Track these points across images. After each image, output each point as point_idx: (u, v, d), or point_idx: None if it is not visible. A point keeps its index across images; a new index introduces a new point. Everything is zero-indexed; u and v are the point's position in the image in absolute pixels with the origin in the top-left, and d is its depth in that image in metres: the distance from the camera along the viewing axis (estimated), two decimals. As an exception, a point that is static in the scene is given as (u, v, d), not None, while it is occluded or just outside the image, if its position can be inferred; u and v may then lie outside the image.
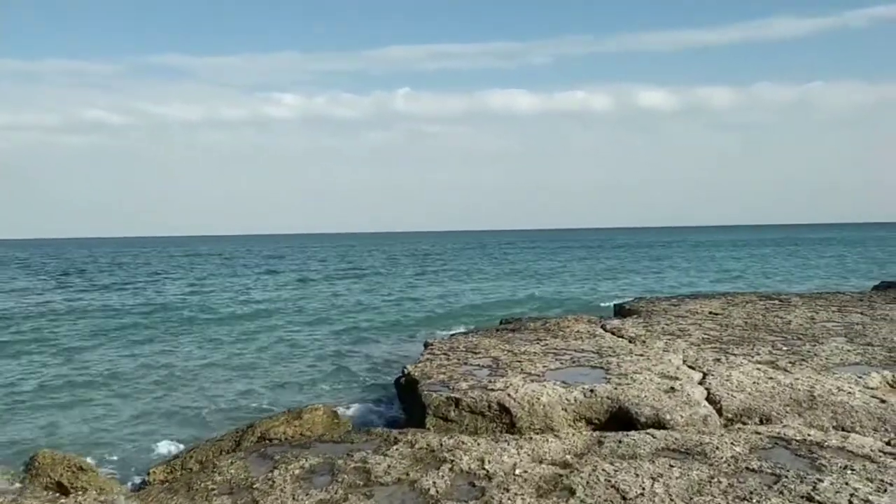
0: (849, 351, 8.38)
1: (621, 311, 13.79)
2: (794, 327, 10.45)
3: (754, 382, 6.84)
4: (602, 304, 20.35)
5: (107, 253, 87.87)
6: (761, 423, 5.85)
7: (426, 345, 9.75)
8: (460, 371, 7.67)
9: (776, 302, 13.80)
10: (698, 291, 21.53)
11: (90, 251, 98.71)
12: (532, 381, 7.04)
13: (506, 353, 8.77)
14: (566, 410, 6.35)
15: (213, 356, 13.98)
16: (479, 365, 8.02)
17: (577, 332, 10.52)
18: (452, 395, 6.53)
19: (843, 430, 5.61)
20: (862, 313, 11.81)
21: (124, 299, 26.27)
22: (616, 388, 6.63)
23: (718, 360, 7.99)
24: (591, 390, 6.59)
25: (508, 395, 6.49)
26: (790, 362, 7.79)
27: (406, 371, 7.75)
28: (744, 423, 5.88)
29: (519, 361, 8.11)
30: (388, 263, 51.98)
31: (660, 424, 5.85)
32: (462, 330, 14.26)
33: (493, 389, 6.69)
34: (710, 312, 12.37)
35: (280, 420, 6.55)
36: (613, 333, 10.43)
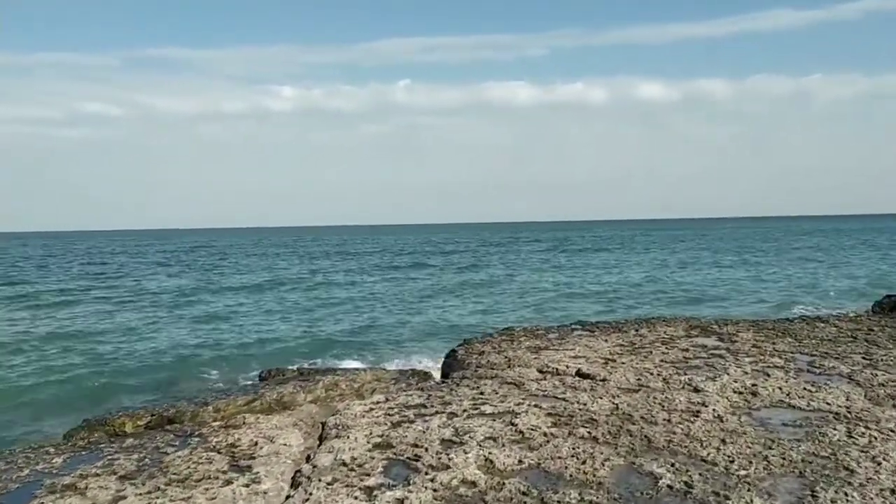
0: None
1: (448, 361, 8.28)
2: (698, 431, 4.89)
3: None
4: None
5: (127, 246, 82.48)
6: None
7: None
8: None
9: (711, 340, 8.27)
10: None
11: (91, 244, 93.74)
12: None
13: None
14: None
15: None
16: None
17: (251, 441, 5.08)
18: None
19: None
20: (850, 377, 6.29)
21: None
22: None
23: None
24: None
25: None
26: None
27: None
28: None
29: None
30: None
31: None
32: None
33: None
34: (578, 373, 6.86)
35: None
36: (321, 443, 5.00)
